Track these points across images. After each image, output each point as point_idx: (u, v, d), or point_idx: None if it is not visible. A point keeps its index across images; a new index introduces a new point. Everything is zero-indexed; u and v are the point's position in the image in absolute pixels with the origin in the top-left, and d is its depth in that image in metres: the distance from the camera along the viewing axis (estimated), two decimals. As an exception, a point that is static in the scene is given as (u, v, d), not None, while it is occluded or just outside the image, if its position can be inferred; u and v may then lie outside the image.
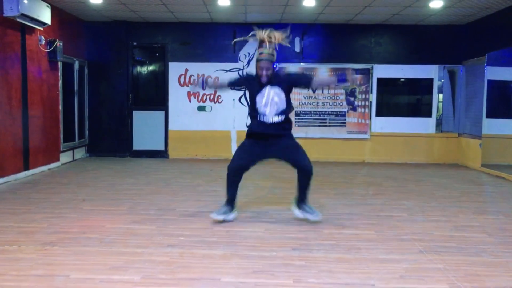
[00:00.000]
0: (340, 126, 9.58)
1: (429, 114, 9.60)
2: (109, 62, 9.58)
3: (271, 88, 4.38)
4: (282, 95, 4.41)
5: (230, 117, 9.64)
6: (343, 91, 9.51)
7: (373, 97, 9.55)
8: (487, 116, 8.33)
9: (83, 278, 3.10)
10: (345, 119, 9.55)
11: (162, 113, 9.69)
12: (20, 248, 3.68)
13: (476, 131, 8.70)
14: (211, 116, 9.65)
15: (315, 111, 9.53)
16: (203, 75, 9.55)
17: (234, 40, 5.32)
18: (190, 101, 9.65)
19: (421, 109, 9.83)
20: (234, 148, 9.61)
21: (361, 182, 7.13)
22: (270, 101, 4.37)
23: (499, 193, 6.43)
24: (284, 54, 9.52)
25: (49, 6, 7.33)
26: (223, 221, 4.49)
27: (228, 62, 9.59)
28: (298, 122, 9.54)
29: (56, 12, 7.93)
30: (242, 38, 4.77)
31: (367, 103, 9.50)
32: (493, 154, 8.38)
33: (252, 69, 9.51)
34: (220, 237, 4.08)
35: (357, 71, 9.46)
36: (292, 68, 9.48)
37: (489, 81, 8.34)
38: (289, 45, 4.57)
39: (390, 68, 9.54)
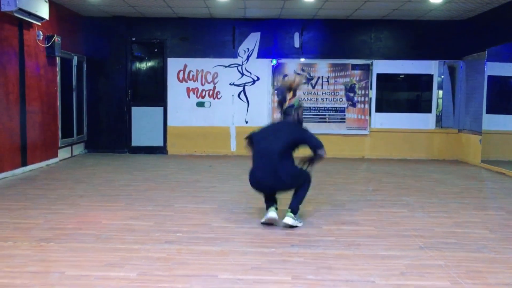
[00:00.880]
0: (340, 122, 9.52)
1: (429, 110, 9.55)
2: (107, 58, 9.52)
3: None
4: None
5: (229, 113, 9.58)
6: (342, 87, 9.45)
7: (372, 92, 9.49)
8: (487, 112, 8.28)
9: (78, 275, 3.06)
10: (344, 115, 9.50)
11: (161, 109, 9.64)
12: (15, 244, 3.64)
13: (476, 127, 8.65)
14: (210, 112, 9.59)
15: (314, 107, 9.47)
16: (202, 70, 9.51)
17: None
18: (189, 97, 9.59)
19: (421, 105, 9.78)
20: (233, 144, 9.58)
21: (361, 178, 7.09)
22: None
23: (500, 189, 6.38)
24: (283, 49, 9.49)
25: (47, 1, 7.25)
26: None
27: (227, 57, 9.53)
28: (297, 118, 9.46)
29: (54, 7, 7.86)
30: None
31: (366, 99, 9.45)
32: (493, 150, 8.34)
33: (250, 67, 9.48)
34: (218, 233, 4.03)
35: (356, 66, 9.42)
36: (291, 64, 9.42)
37: (489, 77, 8.29)
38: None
39: (390, 63, 9.48)
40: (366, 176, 7.27)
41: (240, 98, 9.56)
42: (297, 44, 9.50)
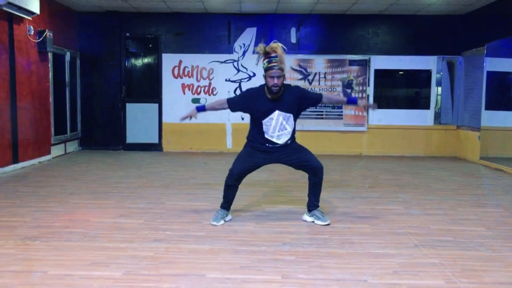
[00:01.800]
0: (337, 118, 9.42)
1: (427, 106, 9.44)
2: (101, 54, 9.40)
3: (280, 113, 4.07)
4: (291, 121, 4.13)
5: (225, 110, 9.44)
6: (340, 83, 9.34)
7: (370, 89, 9.38)
8: (486, 108, 8.19)
9: (61, 275, 2.96)
10: (342, 111, 9.39)
11: (156, 105, 9.53)
12: (0, 243, 3.54)
13: (475, 123, 8.55)
14: (205, 108, 9.46)
15: (311, 103, 9.34)
16: (197, 66, 9.40)
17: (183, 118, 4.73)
18: (184, 93, 9.48)
19: (419, 101, 9.68)
20: (229, 141, 9.47)
21: (358, 175, 6.98)
22: (279, 126, 4.09)
23: (498, 186, 6.28)
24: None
25: (38, -5, 7.14)
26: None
27: (222, 53, 9.42)
28: (294, 114, 9.36)
29: (46, 1, 7.73)
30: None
31: (364, 95, 9.34)
32: (492, 147, 8.24)
33: (246, 63, 9.36)
34: (208, 232, 3.93)
35: (354, 62, 9.31)
36: (288, 60, 9.30)
37: (489, 72, 8.19)
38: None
39: (387, 59, 9.36)
40: (363, 173, 7.16)
41: (236, 95, 9.44)
42: (293, 39, 9.38)
